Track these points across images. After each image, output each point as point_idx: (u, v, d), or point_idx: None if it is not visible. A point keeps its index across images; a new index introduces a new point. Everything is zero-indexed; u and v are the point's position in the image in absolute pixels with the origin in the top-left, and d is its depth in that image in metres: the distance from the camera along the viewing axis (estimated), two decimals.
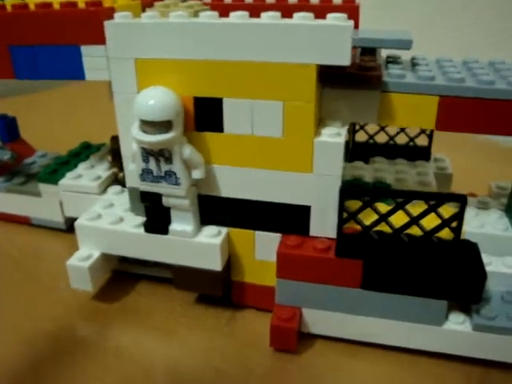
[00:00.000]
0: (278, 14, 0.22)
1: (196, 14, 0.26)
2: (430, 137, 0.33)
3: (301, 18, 0.22)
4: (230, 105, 0.23)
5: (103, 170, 0.31)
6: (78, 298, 0.29)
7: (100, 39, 0.24)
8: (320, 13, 0.28)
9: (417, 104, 0.24)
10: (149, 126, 0.23)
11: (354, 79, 0.23)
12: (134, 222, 0.27)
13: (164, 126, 0.23)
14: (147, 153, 0.24)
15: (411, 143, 0.33)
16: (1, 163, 0.34)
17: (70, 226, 0.35)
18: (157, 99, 0.22)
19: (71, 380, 0.24)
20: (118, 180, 0.31)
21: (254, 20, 0.22)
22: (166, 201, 0.25)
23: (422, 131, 0.33)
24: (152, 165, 0.24)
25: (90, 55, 0.25)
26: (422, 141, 0.34)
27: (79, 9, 0.24)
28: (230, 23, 0.22)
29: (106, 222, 0.27)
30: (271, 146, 0.24)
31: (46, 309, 0.28)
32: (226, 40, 0.22)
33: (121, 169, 0.31)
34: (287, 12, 0.24)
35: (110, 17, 0.24)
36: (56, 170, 0.33)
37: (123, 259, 0.30)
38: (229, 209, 0.26)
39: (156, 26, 0.23)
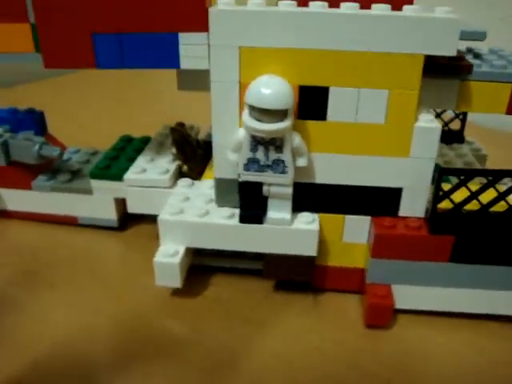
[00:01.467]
0: (388, 6, 0.23)
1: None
2: (463, 121, 0.36)
3: (411, 10, 0.23)
4: (336, 93, 0.24)
5: (168, 163, 0.30)
6: (158, 295, 0.28)
7: (202, 26, 0.24)
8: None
9: (491, 91, 0.26)
10: (265, 114, 0.23)
11: (447, 69, 0.25)
12: (222, 214, 0.27)
13: (280, 114, 0.23)
14: (257, 142, 0.24)
15: (446, 127, 0.36)
16: (46, 160, 0.32)
17: (121, 223, 0.34)
18: (276, 88, 0.23)
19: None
20: (182, 173, 0.31)
21: (365, 11, 0.23)
22: (266, 190, 0.25)
23: (457, 116, 0.36)
24: (260, 154, 0.24)
25: (189, 43, 0.24)
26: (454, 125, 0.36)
27: None
28: (340, 14, 0.23)
29: (192, 215, 0.27)
30: (372, 132, 0.25)
31: (129, 308, 0.28)
32: (334, 30, 0.23)
33: (185, 161, 0.31)
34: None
35: (211, 3, 0.24)
36: (109, 166, 0.32)
37: (197, 253, 0.30)
38: (322, 195, 0.27)
39: (264, 15, 0.23)
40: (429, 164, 0.25)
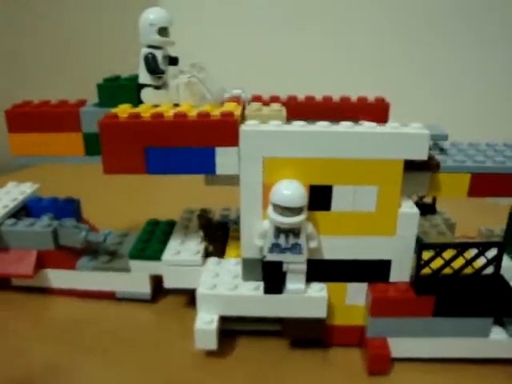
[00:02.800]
0: (374, 124, 0.31)
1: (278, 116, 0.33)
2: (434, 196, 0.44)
3: (391, 126, 0.31)
4: (338, 190, 0.31)
5: (197, 245, 0.36)
6: (195, 356, 0.34)
7: (233, 142, 0.30)
8: (359, 110, 0.38)
9: (455, 180, 0.34)
10: (286, 210, 0.30)
11: (421, 166, 0.32)
12: (248, 287, 0.33)
13: (297, 210, 0.30)
14: (279, 230, 0.30)
15: (421, 201, 0.44)
16: (91, 245, 0.37)
17: (153, 296, 0.39)
18: (294, 190, 0.30)
19: None
20: (207, 252, 0.37)
21: (358, 129, 0.30)
22: (286, 267, 0.32)
23: None
24: (281, 240, 0.31)
25: (223, 155, 0.31)
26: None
27: (218, 118, 0.30)
28: (340, 132, 0.30)
29: (224, 289, 0.33)
30: (366, 218, 0.32)
31: (170, 367, 0.33)
32: (335, 143, 0.30)
33: (210, 242, 0.37)
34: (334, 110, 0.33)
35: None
36: (144, 248, 0.37)
37: (225, 318, 0.35)
38: (328, 268, 0.33)
39: (281, 133, 0.30)
40: (411, 240, 0.32)
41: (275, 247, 0.31)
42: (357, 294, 0.34)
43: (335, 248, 0.33)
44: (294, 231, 0.31)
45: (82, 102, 0.36)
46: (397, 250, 0.33)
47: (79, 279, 0.38)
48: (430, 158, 0.33)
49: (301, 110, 0.37)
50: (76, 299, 0.39)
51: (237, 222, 0.41)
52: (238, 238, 0.38)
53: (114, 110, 0.32)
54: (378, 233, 0.32)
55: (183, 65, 0.36)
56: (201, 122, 0.30)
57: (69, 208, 0.40)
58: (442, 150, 0.36)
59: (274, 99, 0.39)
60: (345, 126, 0.31)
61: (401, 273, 0.33)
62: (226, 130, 0.30)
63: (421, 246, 0.32)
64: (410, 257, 0.33)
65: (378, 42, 0.75)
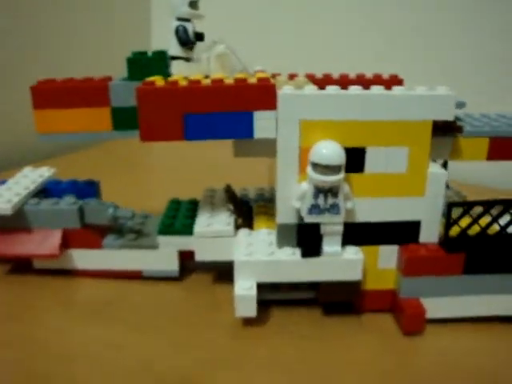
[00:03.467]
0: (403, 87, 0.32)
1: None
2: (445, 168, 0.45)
3: (422, 89, 0.32)
4: (371, 152, 0.32)
5: (226, 217, 0.36)
6: (232, 327, 0.34)
7: (271, 106, 0.31)
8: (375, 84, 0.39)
9: (475, 144, 0.35)
10: (327, 169, 0.30)
11: (446, 129, 0.34)
12: (285, 252, 0.33)
13: (336, 169, 0.31)
14: (318, 191, 0.31)
15: None
16: (116, 223, 0.37)
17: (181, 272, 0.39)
18: (334, 149, 0.30)
19: None
20: (237, 225, 0.37)
21: (391, 91, 0.32)
22: (323, 229, 0.32)
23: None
24: (320, 200, 0.31)
25: (262, 119, 0.31)
26: None
27: (257, 83, 0.31)
28: (373, 94, 0.31)
29: (261, 255, 0.33)
30: (397, 179, 0.33)
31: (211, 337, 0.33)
32: (369, 106, 0.31)
33: (239, 215, 0.37)
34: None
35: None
36: (172, 224, 0.37)
37: (258, 288, 0.35)
38: (362, 231, 0.34)
39: (317, 96, 0.31)
40: (440, 200, 0.34)
41: (314, 208, 0.32)
42: (389, 256, 0.35)
43: (368, 210, 0.33)
44: (332, 191, 0.31)
45: (109, 78, 0.36)
46: (426, 210, 0.34)
47: (105, 259, 0.38)
48: (453, 121, 0.35)
49: (319, 86, 0.39)
50: (101, 280, 0.38)
51: (257, 200, 0.42)
52: (263, 213, 0.39)
53: (149, 79, 0.32)
54: (409, 193, 0.33)
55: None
56: (239, 87, 0.31)
57: (89, 189, 0.40)
58: (458, 119, 0.38)
59: (293, 76, 0.40)
60: (376, 89, 0.32)
61: (430, 233, 0.34)
62: (265, 94, 0.31)
63: (449, 204, 0.33)
64: (438, 217, 0.34)
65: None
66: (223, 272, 0.40)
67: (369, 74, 0.41)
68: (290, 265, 0.33)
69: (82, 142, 0.68)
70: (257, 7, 0.83)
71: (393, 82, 0.40)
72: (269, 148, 0.34)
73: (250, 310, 0.33)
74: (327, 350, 0.32)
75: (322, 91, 0.32)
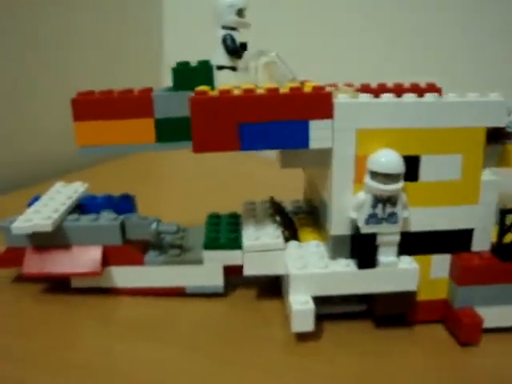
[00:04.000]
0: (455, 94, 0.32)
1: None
2: None
3: (473, 96, 0.32)
4: (425, 160, 0.32)
5: (274, 230, 0.35)
6: (285, 343, 0.33)
7: (328, 115, 0.31)
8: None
9: None
10: (386, 178, 0.30)
11: (497, 135, 0.34)
12: (340, 264, 0.33)
13: (396, 177, 0.30)
14: (377, 200, 0.31)
15: None
16: (158, 239, 0.35)
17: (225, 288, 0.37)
18: (394, 157, 0.30)
19: None
20: (284, 237, 0.36)
21: (444, 99, 0.31)
22: (380, 239, 0.32)
23: None
24: (379, 209, 0.31)
25: (317, 128, 0.31)
26: None
27: (312, 91, 0.30)
28: (427, 102, 0.31)
29: (317, 268, 0.32)
30: (451, 187, 0.33)
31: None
32: (423, 113, 0.31)
33: (285, 227, 0.36)
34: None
35: None
36: (217, 238, 0.36)
37: None
38: (415, 240, 0.33)
39: (373, 105, 0.31)
40: (493, 207, 0.33)
41: (371, 218, 0.31)
42: (441, 265, 0.34)
43: (421, 219, 0.33)
44: (391, 200, 0.31)
45: (149, 89, 0.35)
46: (480, 218, 0.33)
47: (147, 276, 0.36)
48: (503, 128, 0.35)
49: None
50: (141, 298, 0.37)
51: (297, 213, 0.41)
52: (307, 225, 0.38)
53: (200, 88, 0.31)
54: (463, 201, 0.33)
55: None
56: (295, 96, 0.30)
57: (125, 204, 0.39)
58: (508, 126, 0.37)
59: (332, 86, 0.39)
60: (430, 96, 0.32)
61: (482, 241, 0.34)
62: (321, 103, 0.31)
63: (502, 211, 0.33)
64: (491, 224, 0.34)
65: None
66: (265, 286, 0.39)
67: (406, 84, 0.41)
68: (346, 277, 0.32)
69: (98, 157, 0.68)
70: (257, 7, 0.82)
71: (431, 90, 0.40)
72: (316, 158, 0.33)
73: (308, 325, 0.32)
74: (389, 365, 0.31)
75: (379, 99, 0.31)
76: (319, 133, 0.31)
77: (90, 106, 0.34)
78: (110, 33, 0.79)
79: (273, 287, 0.39)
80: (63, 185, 0.41)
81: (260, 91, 0.31)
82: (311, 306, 0.32)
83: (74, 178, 0.45)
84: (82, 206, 0.39)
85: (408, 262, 0.33)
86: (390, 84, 0.41)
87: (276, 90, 0.31)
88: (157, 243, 0.37)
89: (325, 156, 0.32)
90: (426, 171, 0.32)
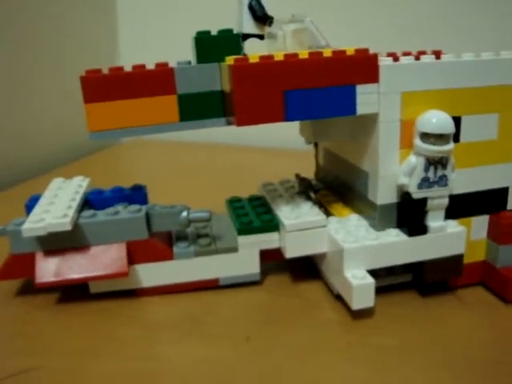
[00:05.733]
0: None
1: None
2: None
3: (507, 53, 0.32)
4: (466, 120, 0.31)
5: (309, 207, 0.33)
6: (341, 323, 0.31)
7: (374, 78, 0.29)
8: None
9: None
10: (439, 138, 0.29)
11: None
12: (389, 234, 0.31)
13: (446, 138, 0.29)
14: (429, 162, 0.29)
15: None
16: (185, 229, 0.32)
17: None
18: (445, 118, 0.29)
19: None
20: None
21: (481, 58, 0.31)
22: (430, 203, 0.31)
23: None
24: (430, 172, 0.30)
25: (364, 93, 0.29)
26: None
27: (358, 54, 0.29)
28: (468, 61, 0.31)
29: (369, 240, 0.31)
30: (488, 147, 0.32)
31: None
32: (464, 72, 0.31)
33: (320, 204, 0.34)
34: None
35: None
36: (251, 222, 0.33)
37: None
38: (457, 203, 0.33)
39: (417, 66, 0.30)
40: None
41: (424, 182, 0.30)
42: (480, 227, 0.34)
43: (462, 181, 0.32)
44: (442, 162, 0.30)
45: (165, 64, 0.31)
46: None
47: (176, 271, 0.33)
48: None
49: None
50: (170, 296, 0.33)
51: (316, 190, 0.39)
52: (334, 201, 0.37)
53: (230, 57, 0.28)
54: (499, 160, 0.33)
55: None
56: (340, 59, 0.29)
57: (138, 195, 0.35)
58: None
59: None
60: (467, 55, 0.31)
61: None
62: (367, 66, 0.29)
63: None
64: None
65: None
66: (296, 270, 0.37)
67: (414, 52, 0.40)
68: (398, 247, 0.31)
69: (83, 149, 0.61)
70: None
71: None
72: (351, 129, 0.32)
73: (369, 300, 0.30)
74: (447, 330, 0.31)
75: (421, 61, 0.30)
76: (366, 98, 0.29)
77: (103, 85, 0.30)
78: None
79: (304, 270, 0.37)
80: (63, 180, 0.36)
81: (303, 56, 0.29)
82: (371, 279, 0.30)
83: (60, 174, 0.40)
84: (88, 202, 0.34)
85: (454, 226, 0.32)
86: (399, 52, 0.40)
87: (320, 53, 0.29)
88: (182, 234, 0.33)
89: (364, 124, 0.31)
90: (465, 132, 0.32)
